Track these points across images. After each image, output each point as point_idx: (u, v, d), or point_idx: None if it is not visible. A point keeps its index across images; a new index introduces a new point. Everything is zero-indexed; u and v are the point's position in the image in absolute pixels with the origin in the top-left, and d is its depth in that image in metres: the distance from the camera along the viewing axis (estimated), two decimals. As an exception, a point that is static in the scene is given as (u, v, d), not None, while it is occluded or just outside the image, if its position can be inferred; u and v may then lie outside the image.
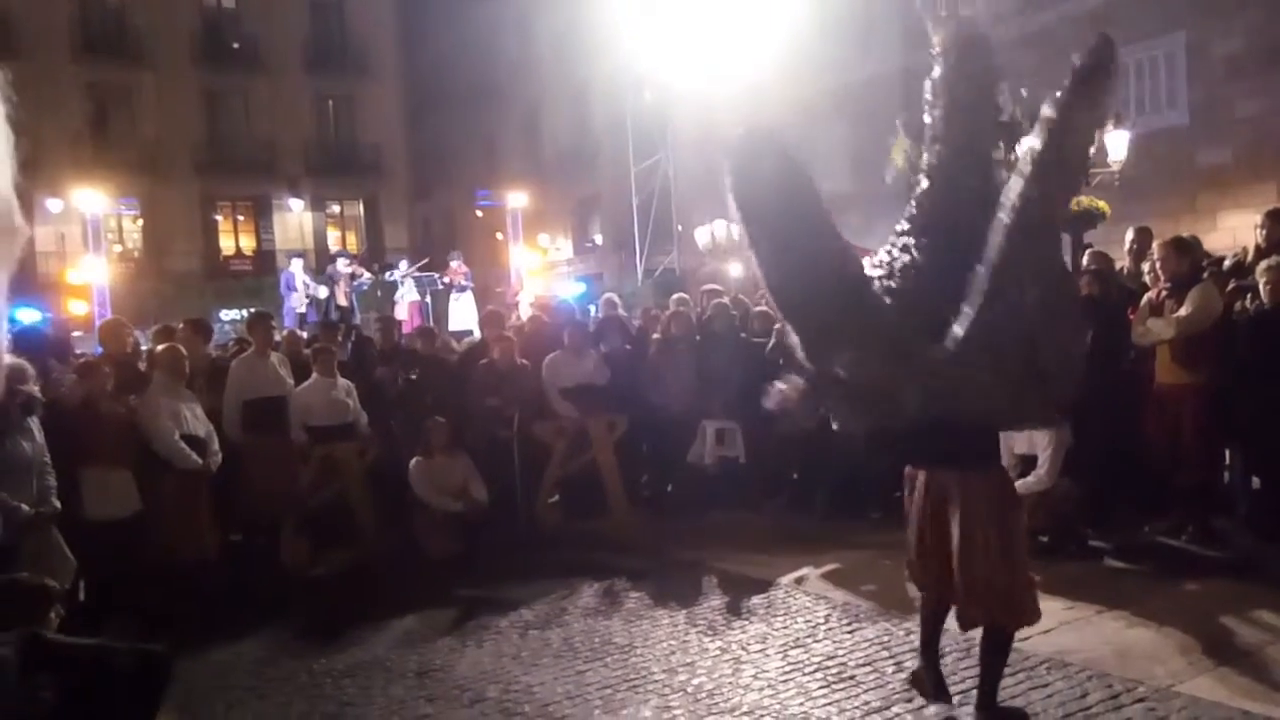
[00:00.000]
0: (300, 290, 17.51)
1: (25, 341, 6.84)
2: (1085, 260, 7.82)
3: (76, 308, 20.12)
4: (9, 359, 5.69)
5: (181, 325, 8.17)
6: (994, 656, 4.11)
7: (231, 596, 6.58)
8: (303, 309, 17.32)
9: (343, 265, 18.12)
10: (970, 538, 3.91)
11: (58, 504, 5.34)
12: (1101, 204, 12.87)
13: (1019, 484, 6.44)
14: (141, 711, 0.81)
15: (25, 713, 0.75)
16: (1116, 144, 13.19)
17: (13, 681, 0.77)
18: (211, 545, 6.58)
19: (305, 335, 10.81)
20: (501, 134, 33.49)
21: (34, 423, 5.32)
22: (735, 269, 19.91)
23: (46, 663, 0.78)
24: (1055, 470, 6.37)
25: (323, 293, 17.67)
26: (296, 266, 18.17)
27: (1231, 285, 7.01)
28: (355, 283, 18.06)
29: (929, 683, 4.33)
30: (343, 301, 17.51)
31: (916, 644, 4.93)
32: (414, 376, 8.35)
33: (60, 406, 5.97)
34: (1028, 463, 6.57)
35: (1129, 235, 8.00)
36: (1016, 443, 6.63)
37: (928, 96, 4.03)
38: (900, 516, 7.44)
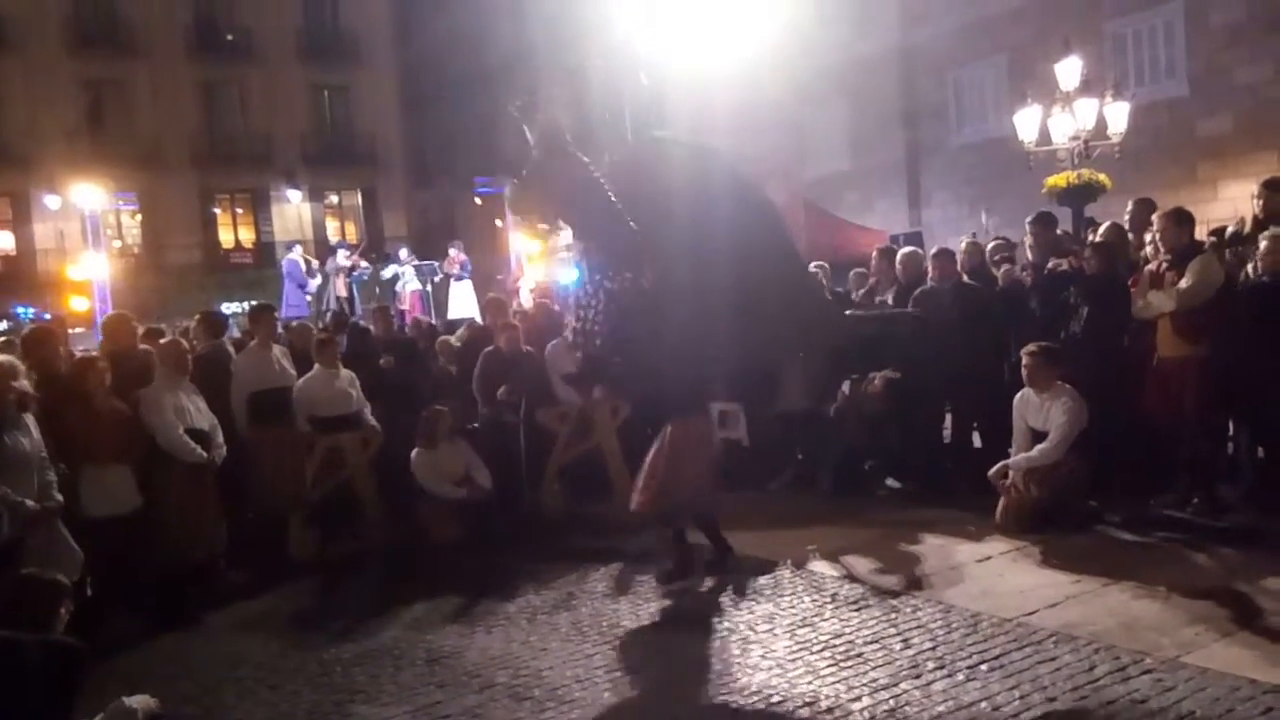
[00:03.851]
0: (305, 273, 17.60)
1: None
2: (1099, 234, 7.76)
3: (78, 304, 20.15)
4: (3, 356, 5.68)
5: (197, 319, 8.49)
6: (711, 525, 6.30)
7: (240, 587, 6.61)
8: (313, 289, 17.43)
9: (342, 258, 18.17)
10: (684, 457, 5.98)
11: (60, 498, 5.34)
12: (1102, 177, 12.80)
13: (1024, 457, 6.46)
14: (55, 701, 0.81)
15: None
16: (1116, 115, 13.11)
17: None
18: (219, 537, 6.59)
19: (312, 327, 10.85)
20: (498, 120, 33.33)
21: (29, 419, 5.32)
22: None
23: None
24: (1063, 447, 6.36)
25: (321, 279, 17.71)
26: (297, 253, 18.15)
27: (1231, 256, 6.97)
28: (354, 274, 18.11)
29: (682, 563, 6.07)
30: (342, 293, 17.54)
31: (922, 620, 5.01)
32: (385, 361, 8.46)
33: (58, 403, 5.94)
34: (1039, 437, 6.56)
35: (1129, 207, 7.96)
36: (1030, 417, 6.60)
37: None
38: (903, 495, 7.58)
